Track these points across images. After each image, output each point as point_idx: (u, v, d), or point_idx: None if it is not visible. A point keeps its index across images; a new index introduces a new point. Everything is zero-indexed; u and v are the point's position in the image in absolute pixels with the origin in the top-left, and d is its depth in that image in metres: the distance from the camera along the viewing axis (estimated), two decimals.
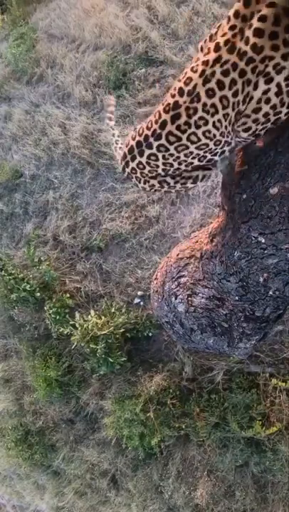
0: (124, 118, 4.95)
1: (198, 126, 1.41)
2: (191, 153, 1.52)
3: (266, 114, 1.38)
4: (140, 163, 1.65)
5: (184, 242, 2.66)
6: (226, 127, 1.43)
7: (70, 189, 5.14)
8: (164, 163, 1.60)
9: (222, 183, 2.00)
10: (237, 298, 2.07)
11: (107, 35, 5.37)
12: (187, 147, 1.49)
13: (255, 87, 1.31)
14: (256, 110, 1.36)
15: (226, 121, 1.40)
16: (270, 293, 1.94)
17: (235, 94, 1.32)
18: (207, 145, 1.48)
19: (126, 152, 1.69)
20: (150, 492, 4.33)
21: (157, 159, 1.58)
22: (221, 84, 1.31)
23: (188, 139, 1.46)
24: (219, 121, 1.40)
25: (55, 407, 4.88)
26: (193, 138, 1.45)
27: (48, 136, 5.43)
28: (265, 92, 1.31)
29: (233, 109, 1.37)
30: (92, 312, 4.22)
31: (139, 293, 4.44)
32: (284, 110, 1.38)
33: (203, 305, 2.30)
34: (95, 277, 4.74)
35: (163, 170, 1.64)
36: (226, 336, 2.33)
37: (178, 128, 1.44)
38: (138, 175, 1.73)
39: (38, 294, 4.60)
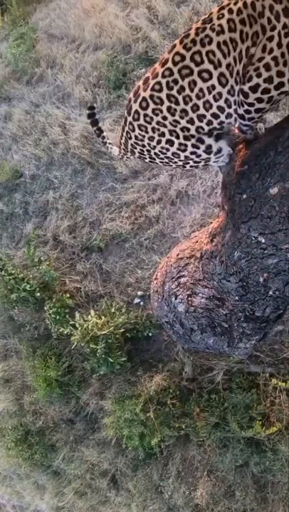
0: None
1: (203, 44, 1.42)
2: (195, 83, 1.47)
3: (268, 67, 1.35)
4: (144, 99, 1.57)
5: (184, 242, 2.66)
6: (234, 60, 1.40)
7: (70, 189, 5.14)
8: (168, 96, 1.52)
9: (222, 183, 1.99)
10: (237, 298, 2.07)
11: (107, 35, 5.37)
12: (191, 71, 1.45)
13: (263, 31, 1.33)
14: (260, 59, 1.36)
15: (234, 50, 1.39)
16: (270, 293, 1.94)
17: (242, 22, 1.35)
18: (210, 74, 1.44)
19: (131, 96, 1.63)
20: (150, 492, 4.32)
21: (161, 89, 1.52)
22: (230, 10, 1.37)
23: (191, 58, 1.44)
24: (225, 43, 1.39)
25: (55, 407, 4.88)
26: (197, 58, 1.44)
27: (48, 136, 5.43)
28: (270, 39, 1.33)
29: (242, 40, 1.37)
30: (92, 312, 4.22)
31: (139, 293, 4.44)
32: (287, 72, 1.35)
33: (203, 305, 2.30)
34: (95, 277, 4.74)
35: (168, 110, 1.55)
36: (226, 335, 2.33)
37: (184, 46, 1.45)
38: (141, 121, 1.62)
39: (38, 294, 4.60)
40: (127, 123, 1.70)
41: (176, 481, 4.15)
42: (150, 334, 4.22)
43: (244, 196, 1.76)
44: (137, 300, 4.44)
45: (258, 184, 1.68)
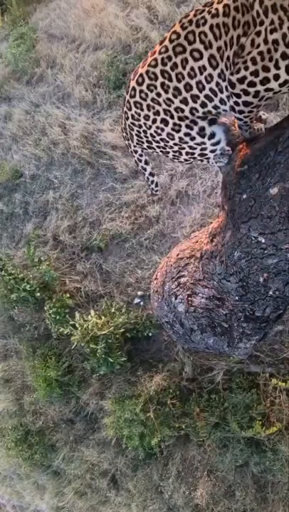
0: None
1: (198, 25, 1.47)
2: (187, 61, 1.52)
3: (254, 61, 1.38)
4: (140, 75, 1.63)
5: (184, 242, 2.66)
6: (225, 44, 1.44)
7: (70, 189, 5.14)
8: (162, 72, 1.57)
9: (222, 183, 1.99)
10: (237, 298, 2.07)
11: (107, 35, 5.37)
12: (184, 49, 1.51)
13: (253, 23, 1.36)
14: (248, 53, 1.40)
15: (225, 35, 1.43)
16: (270, 293, 1.94)
17: (236, 9, 1.39)
18: (201, 54, 1.49)
19: (131, 76, 1.68)
20: (150, 492, 4.32)
21: (156, 64, 1.58)
22: None
23: (185, 36, 1.50)
24: (218, 26, 1.44)
25: (55, 407, 4.88)
26: (190, 37, 1.49)
27: (48, 136, 5.43)
28: (257, 34, 1.36)
29: (234, 26, 1.40)
30: (92, 312, 4.22)
31: (139, 293, 4.44)
32: (272, 68, 1.37)
33: (203, 305, 2.30)
34: (95, 277, 4.74)
35: (161, 86, 1.59)
36: (226, 336, 2.33)
37: (182, 26, 1.51)
38: (137, 98, 1.66)
39: (38, 294, 4.59)
40: (125, 102, 1.73)
41: (176, 481, 4.15)
42: (150, 334, 4.22)
43: (244, 196, 1.76)
44: (137, 300, 4.44)
45: (258, 184, 1.69)
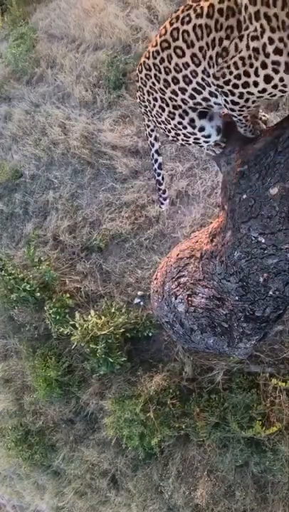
0: (124, 118, 4.95)
1: (182, 23, 1.50)
2: (171, 57, 1.57)
3: (236, 66, 1.40)
4: (140, 64, 1.71)
5: (184, 242, 2.66)
6: (207, 45, 1.46)
7: (70, 189, 5.14)
8: (153, 64, 1.64)
9: (222, 183, 2.00)
10: (237, 298, 2.07)
11: (107, 35, 5.38)
12: (169, 45, 1.56)
13: (238, 28, 1.37)
14: (232, 57, 1.42)
15: (207, 36, 1.45)
16: (270, 293, 1.94)
17: (220, 12, 1.40)
18: (183, 52, 1.52)
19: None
20: (150, 492, 4.32)
21: (149, 57, 1.65)
22: None
23: (171, 33, 1.54)
24: (200, 27, 1.45)
25: (55, 407, 4.88)
26: (175, 34, 1.53)
27: (48, 136, 5.43)
28: (240, 38, 1.37)
29: (216, 29, 1.41)
30: (92, 312, 4.22)
31: (139, 293, 4.44)
32: (252, 74, 1.38)
33: (203, 305, 2.30)
34: (95, 277, 4.74)
35: (154, 76, 1.66)
36: (226, 336, 2.33)
37: (170, 22, 1.55)
38: (139, 83, 1.75)
39: (38, 294, 4.59)
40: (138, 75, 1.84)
41: (176, 481, 4.15)
42: (150, 334, 4.22)
43: (244, 196, 1.76)
44: (137, 300, 4.44)
45: (258, 184, 1.69)
